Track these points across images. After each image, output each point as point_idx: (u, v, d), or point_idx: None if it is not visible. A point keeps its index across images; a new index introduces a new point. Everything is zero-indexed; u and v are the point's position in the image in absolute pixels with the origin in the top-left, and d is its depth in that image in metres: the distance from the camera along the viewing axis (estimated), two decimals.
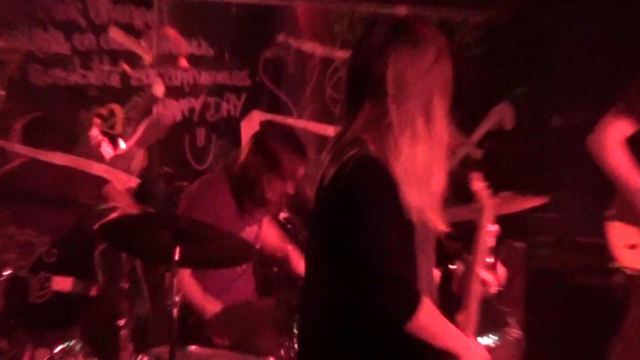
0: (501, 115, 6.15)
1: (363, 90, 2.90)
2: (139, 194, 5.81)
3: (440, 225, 2.85)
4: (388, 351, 2.92)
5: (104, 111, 6.22)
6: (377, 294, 2.82)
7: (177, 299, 3.88)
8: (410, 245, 2.86)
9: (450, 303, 3.22)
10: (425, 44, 2.88)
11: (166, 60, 6.25)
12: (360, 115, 2.87)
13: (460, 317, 3.09)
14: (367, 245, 2.80)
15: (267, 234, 5.12)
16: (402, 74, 2.83)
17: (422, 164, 2.81)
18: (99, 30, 6.08)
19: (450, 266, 3.30)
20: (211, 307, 4.64)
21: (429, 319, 2.83)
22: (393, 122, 2.78)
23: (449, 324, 2.94)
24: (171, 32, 6.38)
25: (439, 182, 2.87)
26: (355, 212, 2.78)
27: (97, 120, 6.17)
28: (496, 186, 3.52)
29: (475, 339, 3.14)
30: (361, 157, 2.78)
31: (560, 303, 6.09)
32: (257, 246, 5.06)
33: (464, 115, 3.94)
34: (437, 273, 3.16)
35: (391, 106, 2.79)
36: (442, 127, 2.82)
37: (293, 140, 4.88)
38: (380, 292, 2.83)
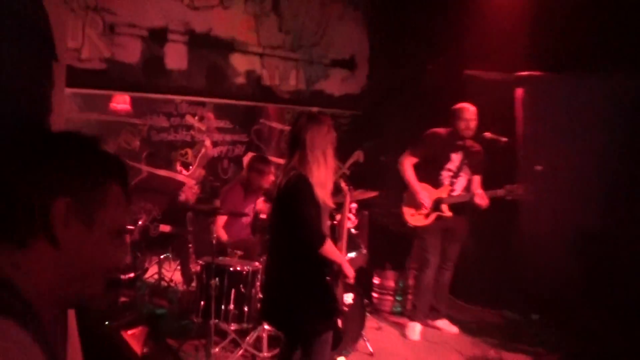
0: (358, 155, 9.88)
1: (295, 145, 4.88)
2: (201, 190, 9.48)
3: (330, 204, 4.93)
4: (313, 262, 4.91)
5: (183, 152, 10.01)
6: (307, 236, 4.84)
7: (214, 235, 6.94)
8: (319, 214, 4.82)
9: (333, 238, 5.19)
10: (323, 123, 4.95)
11: (210, 129, 9.92)
12: (295, 157, 4.86)
13: (338, 245, 5.31)
14: (300, 214, 4.76)
15: (260, 205, 8.12)
16: (312, 138, 4.84)
17: (322, 178, 4.81)
18: (182, 116, 9.90)
19: (333, 222, 5.92)
20: (225, 238, 7.72)
21: (329, 246, 4.84)
22: (309, 160, 4.78)
23: (336, 249, 5.01)
24: (211, 117, 10.02)
25: (330, 185, 4.90)
26: (295, 200, 4.78)
27: (180, 157, 10.01)
28: (355, 186, 7.29)
29: (346, 255, 5.41)
30: (296, 175, 4.75)
31: (383, 240, 9.68)
32: (252, 214, 8.18)
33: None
34: (328, 223, 5.29)
35: (308, 153, 4.79)
36: (331, 161, 4.87)
37: (266, 162, 8.13)
38: (308, 235, 4.83)
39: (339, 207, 6.13)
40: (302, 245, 4.86)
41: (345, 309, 5.80)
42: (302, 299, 4.89)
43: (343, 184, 6.10)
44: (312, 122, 4.94)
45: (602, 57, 8.97)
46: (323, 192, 4.84)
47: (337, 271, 5.06)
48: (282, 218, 4.97)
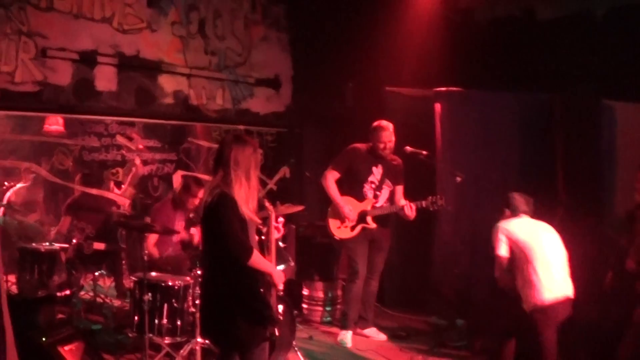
0: (284, 171, 10.60)
1: (220, 164, 5.03)
2: (132, 208, 9.60)
3: (256, 220, 5.15)
4: (243, 273, 5.02)
5: (114, 171, 10.14)
6: (234, 250, 4.96)
7: (146, 251, 7.09)
8: (245, 228, 4.99)
9: (262, 251, 5.36)
10: (248, 144, 5.06)
11: (139, 148, 10.10)
12: (219, 175, 5.01)
13: (267, 257, 5.37)
14: (226, 229, 4.92)
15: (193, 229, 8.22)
16: (236, 157, 4.97)
17: (245, 195, 4.99)
18: (112, 135, 10.09)
19: (261, 236, 5.69)
20: (157, 255, 7.92)
21: (257, 258, 5.00)
22: (232, 178, 4.94)
23: (265, 260, 5.19)
24: (141, 136, 10.17)
25: (253, 203, 5.08)
26: (220, 216, 4.93)
27: (111, 175, 10.13)
28: (282, 201, 8.12)
29: (276, 266, 5.46)
30: (221, 192, 4.94)
31: (310, 252, 9.97)
32: (182, 231, 8.25)
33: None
34: (256, 238, 5.36)
35: (231, 172, 4.94)
36: (254, 180, 5.03)
37: (196, 181, 8.23)
38: (235, 248, 4.96)
39: (265, 222, 6.13)
40: (231, 258, 5.00)
41: (281, 317, 6.01)
42: (238, 311, 5.03)
43: (267, 203, 6.16)
44: (238, 142, 5.09)
45: (514, 76, 9.70)
46: (247, 208, 5.01)
47: (268, 281, 5.22)
48: (210, 234, 5.13)
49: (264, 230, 5.95)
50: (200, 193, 7.76)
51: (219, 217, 4.98)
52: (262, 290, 5.16)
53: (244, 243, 4.99)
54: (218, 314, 5.17)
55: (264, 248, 5.54)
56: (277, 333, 6.00)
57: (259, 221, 5.31)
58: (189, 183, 8.19)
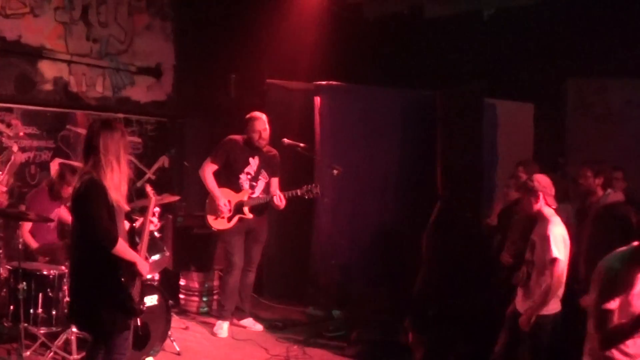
0: (163, 160, 10.86)
1: (89, 150, 5.16)
2: (9, 196, 9.18)
3: (125, 207, 5.27)
4: (106, 261, 5.13)
5: None
6: (98, 237, 5.07)
7: (21, 240, 7.05)
8: (113, 215, 5.09)
9: (133, 240, 5.50)
10: (116, 129, 5.21)
11: (17, 135, 9.79)
12: (89, 162, 5.13)
13: (138, 247, 5.53)
14: (91, 216, 5.05)
15: (62, 213, 8.17)
16: (105, 143, 5.09)
17: (116, 181, 5.09)
18: None
19: (133, 224, 5.72)
20: (34, 244, 7.92)
21: (121, 247, 5.12)
22: (102, 164, 5.06)
23: (130, 250, 5.30)
24: (19, 124, 9.84)
25: (124, 188, 5.18)
26: (86, 202, 5.06)
27: None
28: (160, 191, 7.74)
29: (144, 257, 5.50)
30: (89, 179, 5.05)
31: (187, 242, 9.93)
32: (56, 218, 8.19)
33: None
34: (127, 226, 5.50)
35: (102, 158, 5.06)
36: (125, 165, 5.15)
37: (72, 169, 7.95)
38: (99, 235, 5.07)
39: (142, 210, 6.45)
40: (94, 245, 5.10)
41: (144, 307, 5.99)
42: (97, 298, 5.14)
43: (149, 188, 6.32)
44: (105, 127, 5.19)
45: (399, 73, 10.22)
46: (117, 194, 5.12)
47: (132, 271, 5.30)
48: (77, 221, 5.25)
49: (139, 219, 6.05)
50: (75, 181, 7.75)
51: (85, 203, 5.09)
52: (123, 279, 5.22)
53: (109, 231, 5.08)
54: (81, 301, 5.27)
55: (134, 236, 5.63)
56: (140, 323, 6.21)
57: (128, 208, 5.40)
58: (64, 172, 8.14)
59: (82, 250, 5.24)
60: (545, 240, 5.99)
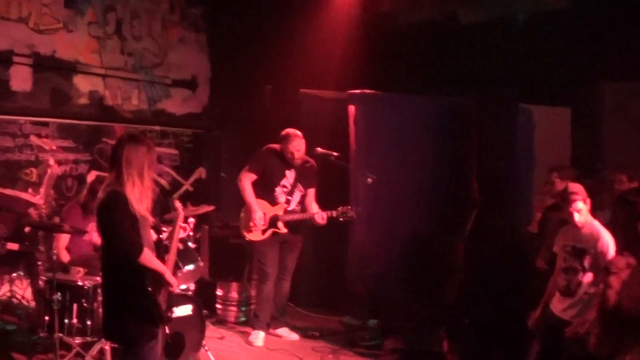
0: (200, 172, 10.81)
1: (114, 163, 5.14)
2: (47, 207, 9.56)
3: (150, 218, 5.23)
4: (131, 271, 5.13)
5: (27, 171, 9.94)
6: (123, 247, 5.08)
7: (54, 251, 7.32)
8: (136, 226, 5.07)
9: (159, 251, 5.45)
10: (142, 143, 5.18)
11: (52, 149, 9.91)
12: (113, 173, 5.13)
13: (167, 257, 5.61)
14: (115, 227, 5.05)
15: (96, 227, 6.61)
16: (129, 157, 5.07)
17: (138, 194, 5.07)
18: (26, 136, 9.86)
19: (160, 235, 5.70)
20: (65, 259, 7.84)
21: (147, 256, 5.10)
22: (124, 177, 5.05)
23: (157, 260, 5.26)
24: (55, 137, 10.04)
25: (147, 201, 5.14)
26: (110, 213, 5.07)
27: (24, 176, 9.87)
28: (197, 202, 8.58)
29: (171, 268, 5.58)
30: (112, 190, 5.08)
31: (224, 252, 10.03)
32: (92, 232, 7.97)
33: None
34: (154, 236, 5.48)
35: (124, 170, 5.06)
36: (148, 180, 5.12)
37: (102, 182, 5.92)
38: (124, 245, 5.07)
39: (171, 222, 6.37)
40: (119, 255, 5.10)
41: (171, 315, 6.08)
42: (125, 307, 5.14)
43: (177, 203, 6.46)
44: (131, 141, 5.17)
45: (433, 80, 10.07)
46: (140, 206, 5.09)
47: (159, 280, 5.26)
48: (102, 231, 5.23)
49: (167, 229, 6.07)
50: None
51: (108, 214, 5.08)
52: (150, 288, 5.19)
53: (133, 240, 5.06)
54: (109, 311, 5.29)
55: (160, 247, 5.58)
56: (168, 332, 6.15)
57: (152, 219, 5.33)
58: (94, 186, 7.89)
59: (109, 260, 5.25)
60: (601, 250, 5.95)
